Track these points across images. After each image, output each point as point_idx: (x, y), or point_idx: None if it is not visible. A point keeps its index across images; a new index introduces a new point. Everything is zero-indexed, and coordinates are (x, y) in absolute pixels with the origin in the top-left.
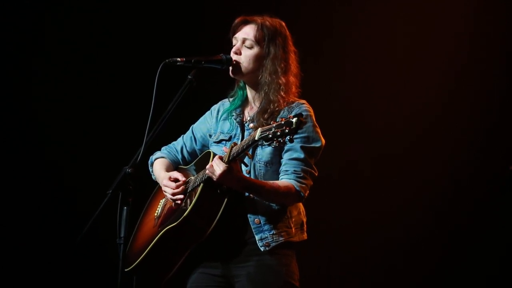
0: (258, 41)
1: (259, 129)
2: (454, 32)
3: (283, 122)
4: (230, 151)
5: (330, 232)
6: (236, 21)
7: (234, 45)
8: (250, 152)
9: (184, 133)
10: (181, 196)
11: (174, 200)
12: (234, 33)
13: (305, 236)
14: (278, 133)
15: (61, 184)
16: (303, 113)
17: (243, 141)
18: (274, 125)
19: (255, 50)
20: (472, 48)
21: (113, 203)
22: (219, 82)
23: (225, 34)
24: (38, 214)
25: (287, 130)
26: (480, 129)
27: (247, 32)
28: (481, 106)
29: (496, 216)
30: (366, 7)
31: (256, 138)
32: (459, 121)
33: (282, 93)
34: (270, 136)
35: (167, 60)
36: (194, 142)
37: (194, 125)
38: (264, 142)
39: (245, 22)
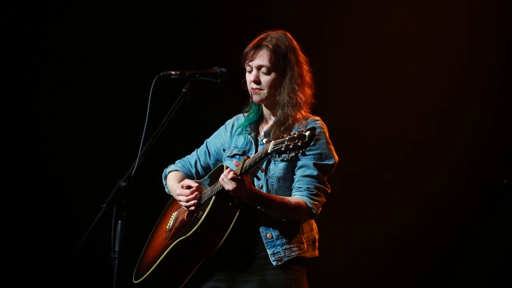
0: (273, 65)
1: (272, 142)
2: (453, 33)
3: (296, 135)
4: (243, 164)
5: (329, 238)
6: (247, 48)
7: (249, 72)
8: (263, 166)
9: (179, 145)
10: (195, 201)
11: (188, 207)
12: (247, 60)
13: (316, 253)
14: (291, 146)
15: (56, 198)
16: (317, 130)
17: (256, 154)
18: (287, 138)
19: (273, 75)
20: (471, 51)
21: (109, 217)
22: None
23: (220, 47)
24: (33, 228)
25: (299, 144)
26: (479, 135)
27: (262, 59)
28: (481, 113)
29: (494, 223)
30: (366, 10)
31: (268, 151)
32: (458, 127)
33: (298, 108)
34: (283, 149)
35: (161, 73)
36: (208, 157)
37: (208, 140)
38: (276, 155)
39: (256, 48)
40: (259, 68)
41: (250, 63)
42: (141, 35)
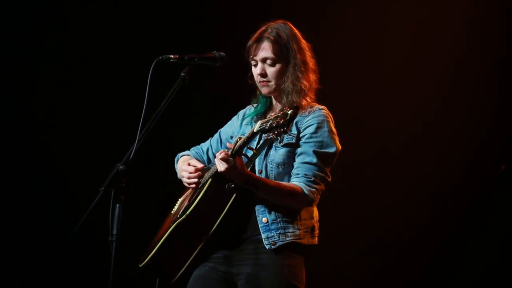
0: (277, 56)
1: (259, 122)
2: (452, 33)
3: (279, 114)
4: (235, 145)
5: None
6: (249, 43)
7: (254, 66)
8: (263, 152)
9: (175, 131)
10: (196, 180)
11: (189, 184)
12: (250, 54)
13: (315, 241)
14: (274, 125)
15: (54, 181)
16: (320, 118)
17: (245, 135)
18: (272, 117)
19: (278, 66)
20: (469, 49)
21: (107, 200)
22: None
23: (220, 47)
24: (31, 212)
25: (281, 122)
26: (475, 129)
27: (265, 51)
28: (476, 107)
29: (490, 215)
30: (365, 10)
31: (255, 131)
32: (454, 121)
33: (303, 95)
34: (267, 127)
35: (160, 57)
36: (219, 144)
37: (222, 129)
38: (262, 134)
39: (258, 41)
40: (263, 61)
41: (255, 57)
42: (141, 35)
